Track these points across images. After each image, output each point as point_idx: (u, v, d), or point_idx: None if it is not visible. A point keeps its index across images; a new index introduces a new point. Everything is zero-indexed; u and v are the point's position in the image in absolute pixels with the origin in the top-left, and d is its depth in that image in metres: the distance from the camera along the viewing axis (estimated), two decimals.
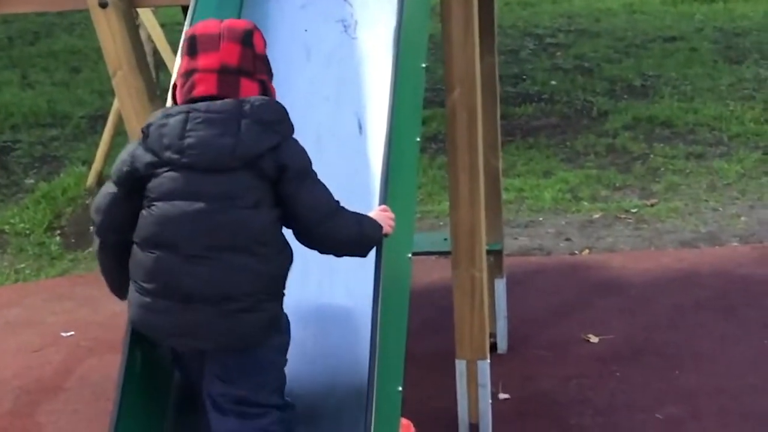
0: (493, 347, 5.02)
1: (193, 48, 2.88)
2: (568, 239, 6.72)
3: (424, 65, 3.63)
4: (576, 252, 6.52)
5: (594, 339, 5.25)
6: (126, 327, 3.00)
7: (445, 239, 4.82)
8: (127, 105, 4.01)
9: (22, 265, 6.96)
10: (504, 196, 5.93)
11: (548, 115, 9.60)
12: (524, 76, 11.00)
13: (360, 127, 3.57)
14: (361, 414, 2.87)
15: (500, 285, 5.13)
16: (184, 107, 2.84)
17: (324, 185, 2.88)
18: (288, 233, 2.91)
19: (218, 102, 2.82)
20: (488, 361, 4.24)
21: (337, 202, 2.88)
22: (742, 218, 6.86)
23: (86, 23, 12.80)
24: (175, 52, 4.72)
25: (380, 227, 2.93)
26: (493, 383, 4.43)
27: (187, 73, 2.88)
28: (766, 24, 12.93)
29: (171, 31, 9.47)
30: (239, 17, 3.74)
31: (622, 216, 7.05)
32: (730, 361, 4.95)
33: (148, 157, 2.81)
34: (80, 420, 4.78)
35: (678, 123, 8.97)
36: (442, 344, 4.68)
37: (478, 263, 4.10)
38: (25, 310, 6.18)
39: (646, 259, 6.29)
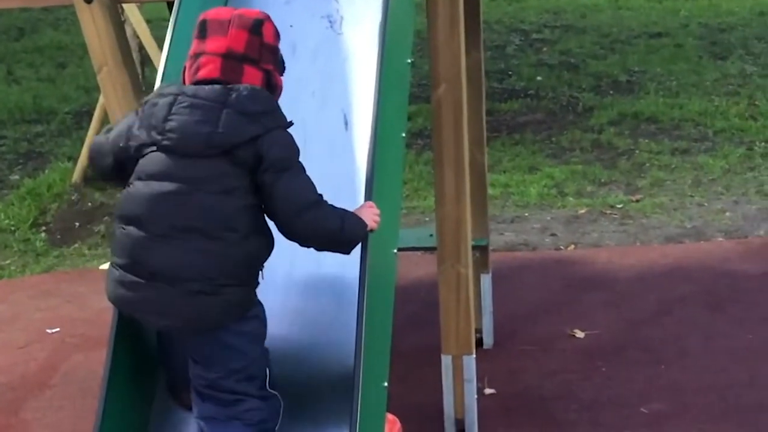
0: (479, 342, 5.04)
1: (203, 31, 2.94)
2: (553, 235, 6.74)
3: (409, 61, 3.64)
4: (561, 247, 6.53)
5: (580, 334, 5.27)
6: (111, 323, 3.00)
7: (431, 235, 4.82)
8: (112, 101, 3.99)
9: (7, 262, 6.94)
10: (490, 191, 5.94)
11: (534, 110, 9.62)
12: (510, 72, 11.03)
13: (346, 123, 3.57)
14: (347, 409, 2.88)
15: (486, 280, 5.14)
16: (176, 89, 2.90)
17: (307, 178, 2.89)
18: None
19: (207, 87, 2.86)
20: (474, 356, 4.25)
21: (320, 195, 2.89)
22: (727, 213, 6.89)
23: (72, 19, 12.77)
24: (161, 48, 4.70)
25: (364, 224, 2.93)
26: (479, 378, 4.44)
27: (195, 56, 2.94)
28: (751, 20, 12.98)
29: (157, 27, 9.46)
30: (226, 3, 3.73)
31: (608, 211, 7.07)
32: (716, 356, 4.97)
33: (140, 137, 2.88)
34: (66, 416, 4.77)
35: (663, 119, 9.00)
36: (428, 339, 4.69)
37: (463, 259, 4.10)
38: (10, 306, 6.16)
39: (632, 254, 6.31)
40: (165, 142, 2.83)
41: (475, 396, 4.31)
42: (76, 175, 7.89)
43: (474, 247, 4.63)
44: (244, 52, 2.90)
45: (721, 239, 6.48)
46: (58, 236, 7.26)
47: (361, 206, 2.99)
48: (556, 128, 9.00)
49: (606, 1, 15.13)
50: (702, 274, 5.90)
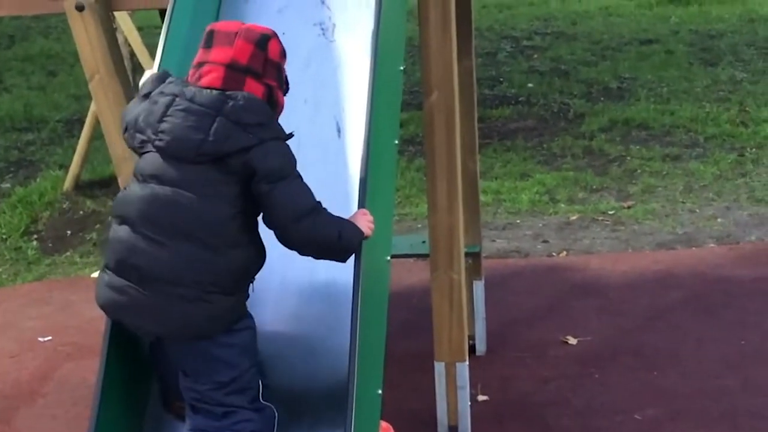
0: (472, 349, 5.04)
1: (209, 41, 2.96)
2: (545, 241, 6.74)
3: (401, 68, 3.64)
4: (553, 254, 6.54)
5: (572, 340, 5.27)
6: (104, 331, 3.00)
7: (424, 242, 4.83)
8: (104, 109, 3.99)
9: None
10: (482, 198, 5.94)
11: (525, 117, 9.64)
12: (501, 79, 11.04)
13: (339, 130, 3.58)
14: (341, 417, 2.88)
15: (479, 287, 5.14)
16: (177, 89, 2.91)
17: (304, 185, 2.89)
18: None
19: (205, 92, 2.86)
20: (467, 363, 4.25)
21: (318, 203, 2.89)
22: (719, 219, 6.90)
23: (63, 27, 12.77)
24: (152, 56, 4.69)
25: (360, 232, 2.93)
26: (472, 385, 4.44)
27: (198, 64, 2.95)
28: (741, 26, 13.02)
29: (148, 34, 9.46)
30: (216, 20, 3.74)
31: (600, 218, 7.08)
32: (709, 362, 4.97)
33: (142, 134, 2.92)
34: (59, 425, 4.75)
35: (654, 125, 9.02)
36: (421, 346, 4.69)
37: (456, 266, 4.11)
38: (2, 315, 6.14)
39: (624, 260, 6.31)
40: (158, 143, 2.86)
41: (468, 403, 4.31)
42: (68, 184, 7.88)
43: (466, 254, 4.64)
44: (247, 64, 2.91)
45: (712, 245, 6.49)
46: (50, 244, 7.25)
47: (355, 214, 2.99)
48: (548, 135, 9.01)
49: (596, 8, 15.17)
50: (694, 280, 5.91)
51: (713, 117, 9.09)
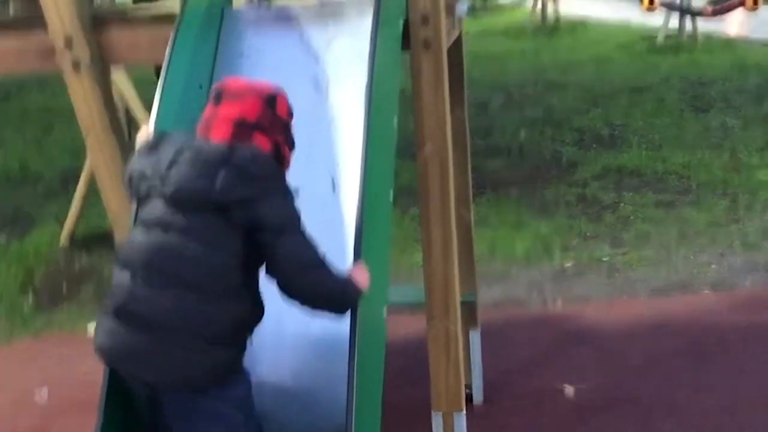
0: (469, 399, 5.03)
1: (218, 97, 3.01)
2: (541, 290, 6.76)
3: (395, 122, 3.68)
4: (549, 302, 6.55)
5: (569, 389, 5.27)
6: (101, 386, 3.00)
7: (419, 291, 4.84)
8: (100, 165, 4.02)
9: None
10: (477, 247, 5.96)
11: (518, 166, 9.69)
12: (494, 129, 11.11)
13: (334, 185, 3.60)
14: None
15: (475, 337, 5.15)
16: (183, 140, 2.96)
17: (308, 239, 2.90)
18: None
19: (213, 144, 2.91)
20: (464, 413, 4.24)
21: (322, 257, 2.90)
22: (713, 266, 6.93)
23: (58, 81, 12.81)
24: (148, 108, 4.73)
25: (359, 288, 2.95)
26: None
27: (207, 119, 3.00)
28: (731, 74, 13.15)
29: (143, 88, 9.52)
30: (211, 75, 3.78)
31: (594, 265, 7.10)
32: (705, 409, 4.97)
33: (148, 182, 2.94)
34: None
35: (647, 172, 9.08)
36: (418, 395, 4.68)
37: (452, 316, 4.12)
38: None
39: (619, 308, 6.33)
40: (164, 190, 2.88)
41: None
42: (63, 238, 7.89)
43: (462, 304, 4.64)
44: (256, 120, 2.96)
45: (707, 292, 6.51)
46: (45, 299, 7.24)
47: (353, 268, 3.01)
48: (541, 183, 9.06)
49: (587, 57, 15.33)
50: (689, 327, 5.93)
51: (705, 163, 9.16)
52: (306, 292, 2.88)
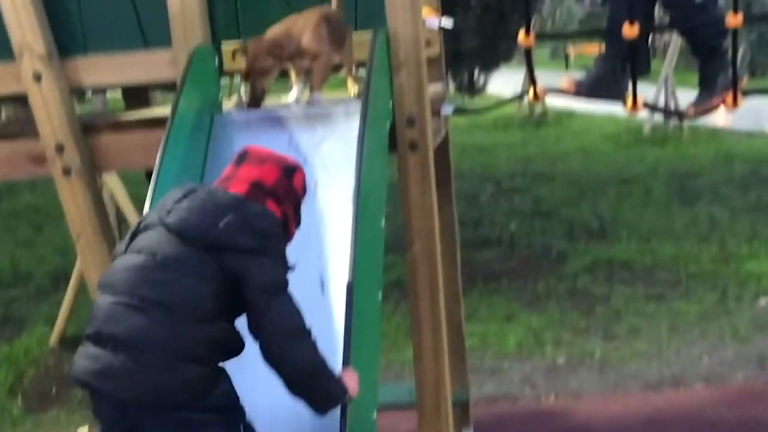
0: None
1: (241, 159, 3.12)
2: (533, 385, 6.72)
3: (382, 223, 3.71)
4: (542, 397, 6.51)
5: None
6: None
7: (410, 390, 4.81)
8: (90, 269, 4.04)
9: None
10: (468, 342, 5.95)
11: (509, 259, 9.72)
12: (484, 221, 11.17)
13: (322, 286, 3.62)
14: None
15: None
16: (197, 185, 3.06)
17: (296, 306, 2.90)
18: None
19: (227, 193, 2.99)
20: None
21: (308, 329, 2.89)
22: (705, 359, 6.91)
23: (49, 181, 12.85)
24: (139, 209, 4.75)
25: (345, 389, 2.93)
26: None
27: (226, 178, 3.09)
28: (717, 164, 13.29)
29: (133, 185, 9.56)
30: (201, 180, 3.82)
31: (586, 360, 7.08)
32: None
33: (149, 218, 3.00)
34: None
35: (636, 264, 9.11)
36: None
37: (444, 417, 4.10)
38: None
39: (612, 403, 6.29)
40: (168, 220, 2.93)
41: None
42: (53, 339, 7.85)
43: (454, 403, 4.62)
44: (272, 187, 3.05)
45: (699, 386, 6.48)
46: (35, 402, 7.17)
47: (341, 374, 3.00)
48: (532, 276, 9.07)
49: (574, 148, 15.49)
50: (682, 422, 5.89)
51: (694, 255, 9.20)
52: (286, 358, 2.85)
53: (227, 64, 4.36)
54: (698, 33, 4.57)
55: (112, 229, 4.29)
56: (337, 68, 4.37)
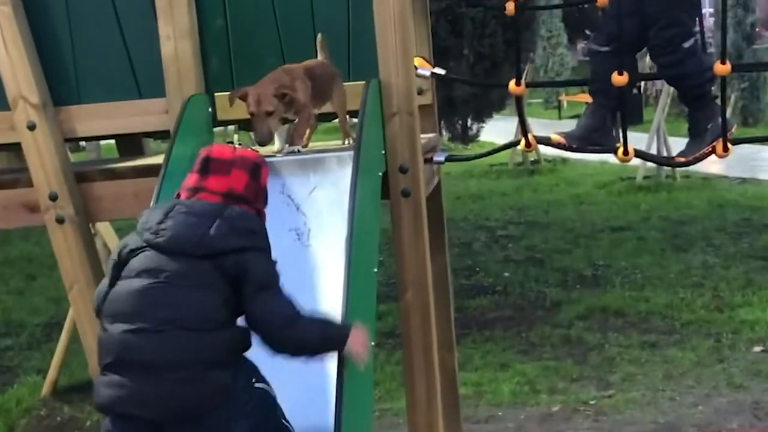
0: None
1: (205, 168, 3.18)
2: None
3: (375, 270, 3.72)
4: None
5: None
6: None
7: None
8: (83, 318, 4.04)
9: None
10: (462, 390, 5.94)
11: (502, 307, 9.71)
12: (477, 269, 11.17)
13: None
14: None
15: None
16: (174, 201, 3.13)
17: (285, 297, 3.05)
18: None
19: (205, 202, 3.09)
20: None
21: (297, 311, 3.04)
22: (699, 407, 6.88)
23: (42, 230, 12.84)
24: None
25: (345, 335, 3.09)
26: None
27: (194, 189, 3.16)
28: (710, 212, 13.32)
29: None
30: None
31: (581, 408, 7.04)
32: None
33: (132, 243, 3.06)
34: None
35: (630, 312, 9.10)
36: None
37: None
38: None
39: None
40: (157, 240, 3.00)
41: None
42: (45, 389, 7.81)
43: None
44: (243, 193, 3.16)
45: None
46: None
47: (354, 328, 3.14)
48: (526, 324, 9.06)
49: (567, 196, 15.53)
50: None
51: (688, 303, 9.20)
52: (288, 347, 3.04)
53: (221, 114, 4.39)
54: (686, 80, 4.60)
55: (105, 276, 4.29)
56: (326, 117, 4.42)
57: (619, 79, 4.27)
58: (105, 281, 3.13)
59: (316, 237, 3.84)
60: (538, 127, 17.55)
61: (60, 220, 4.06)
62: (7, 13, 4.22)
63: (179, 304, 2.94)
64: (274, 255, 3.17)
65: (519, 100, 4.65)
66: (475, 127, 11.98)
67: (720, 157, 4.41)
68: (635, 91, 22.51)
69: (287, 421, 3.16)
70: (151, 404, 2.92)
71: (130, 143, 5.38)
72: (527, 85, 4.63)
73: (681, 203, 14.04)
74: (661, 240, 11.88)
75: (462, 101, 11.00)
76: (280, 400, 3.19)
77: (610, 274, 10.51)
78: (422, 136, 4.24)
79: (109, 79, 4.43)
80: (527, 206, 14.91)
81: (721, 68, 4.20)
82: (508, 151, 18.14)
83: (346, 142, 4.39)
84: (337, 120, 4.44)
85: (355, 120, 3.95)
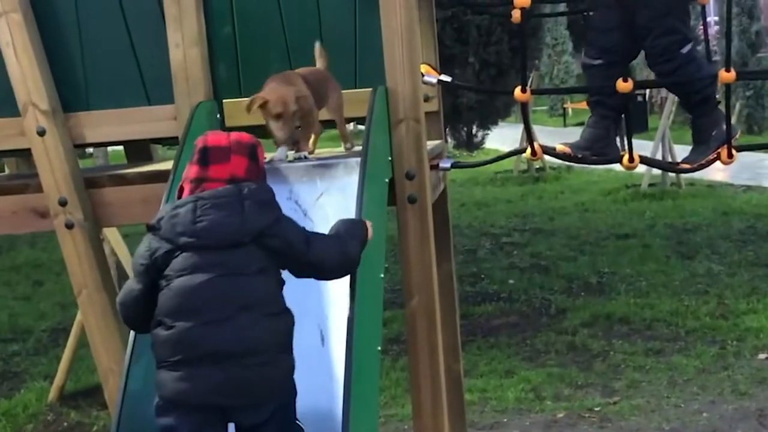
0: None
1: (204, 158, 3.19)
2: None
3: (382, 275, 3.74)
4: None
5: None
6: None
7: None
8: (91, 323, 4.06)
9: None
10: (467, 397, 5.95)
11: (507, 313, 9.73)
12: (482, 275, 11.19)
13: (322, 339, 3.63)
14: None
15: None
16: (191, 197, 3.12)
17: (320, 234, 3.25)
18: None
19: (220, 189, 3.11)
20: None
21: (335, 235, 3.24)
22: (704, 414, 6.89)
23: (49, 236, 12.92)
24: None
25: (364, 224, 3.33)
26: None
27: (197, 180, 3.17)
28: (715, 219, 13.32)
29: (135, 242, 9.60)
30: None
31: (586, 414, 7.06)
32: None
33: (165, 246, 3.05)
34: None
35: (635, 319, 9.12)
36: None
37: None
38: None
39: None
40: (200, 242, 3.03)
41: None
42: (52, 395, 7.83)
43: None
44: (245, 176, 3.18)
45: None
46: None
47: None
48: (531, 331, 9.08)
49: (572, 204, 15.54)
50: None
51: (693, 310, 9.21)
52: (348, 266, 3.26)
53: (229, 120, 4.42)
54: (687, 86, 4.62)
55: (113, 283, 4.32)
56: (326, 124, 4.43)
57: (623, 85, 4.28)
58: (134, 286, 3.12)
59: None
60: (543, 134, 17.61)
61: (69, 226, 4.09)
62: (18, 20, 4.26)
63: (249, 292, 3.01)
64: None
65: (525, 106, 4.67)
66: (480, 134, 11.98)
67: (725, 163, 4.42)
68: (640, 98, 22.50)
69: (299, 421, 3.18)
70: (234, 391, 2.96)
71: (138, 149, 5.42)
72: (533, 92, 4.65)
73: (686, 211, 14.05)
74: (666, 247, 11.90)
75: (467, 108, 11.02)
76: None
77: (615, 281, 10.52)
78: (428, 142, 4.26)
79: (118, 86, 4.46)
80: (532, 213, 14.93)
81: (726, 76, 4.22)
82: (513, 158, 18.20)
83: (347, 146, 4.40)
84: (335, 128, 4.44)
85: (360, 126, 3.97)
